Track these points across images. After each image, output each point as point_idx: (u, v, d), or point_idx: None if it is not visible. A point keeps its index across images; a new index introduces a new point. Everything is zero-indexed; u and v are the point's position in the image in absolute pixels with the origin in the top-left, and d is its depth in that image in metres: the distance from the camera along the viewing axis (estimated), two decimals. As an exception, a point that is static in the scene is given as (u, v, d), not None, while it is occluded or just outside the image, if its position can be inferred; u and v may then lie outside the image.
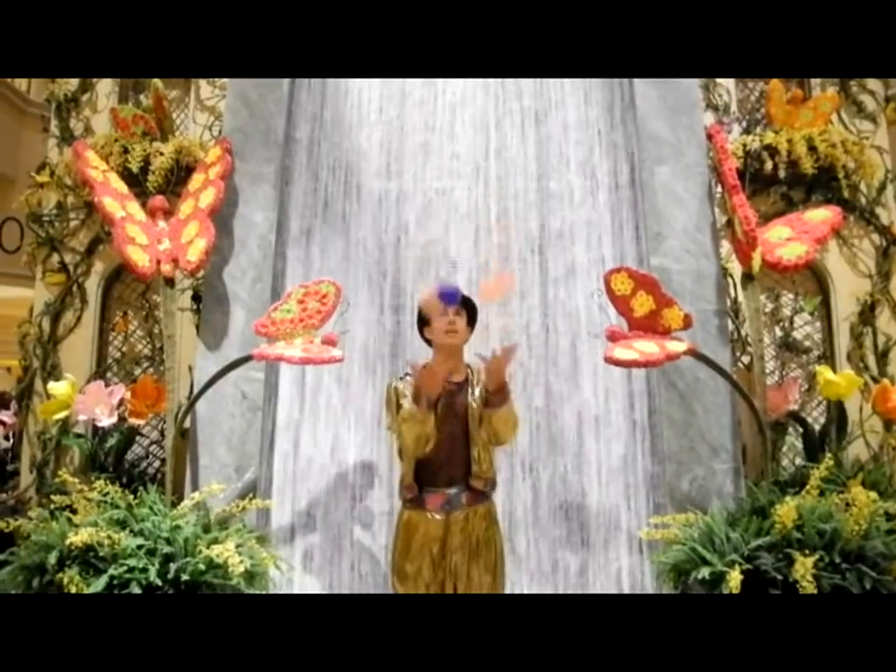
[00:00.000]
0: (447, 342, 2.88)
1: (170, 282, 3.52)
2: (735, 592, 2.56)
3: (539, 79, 3.93)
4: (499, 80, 3.96)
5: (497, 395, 2.77)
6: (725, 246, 3.81)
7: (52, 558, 2.70)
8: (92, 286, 4.16)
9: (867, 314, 4.02)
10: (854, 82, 4.26)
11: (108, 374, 4.11)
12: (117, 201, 3.55)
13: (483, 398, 2.83)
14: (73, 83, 4.37)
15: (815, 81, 4.28)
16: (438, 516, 2.82)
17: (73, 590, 2.60)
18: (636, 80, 3.75)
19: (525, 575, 3.45)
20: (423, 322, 2.97)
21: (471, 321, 2.95)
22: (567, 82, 3.94)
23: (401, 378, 2.91)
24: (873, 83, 4.28)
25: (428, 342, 2.99)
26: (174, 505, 3.13)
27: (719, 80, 4.19)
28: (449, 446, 2.83)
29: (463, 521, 2.83)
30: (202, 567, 2.73)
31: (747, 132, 4.14)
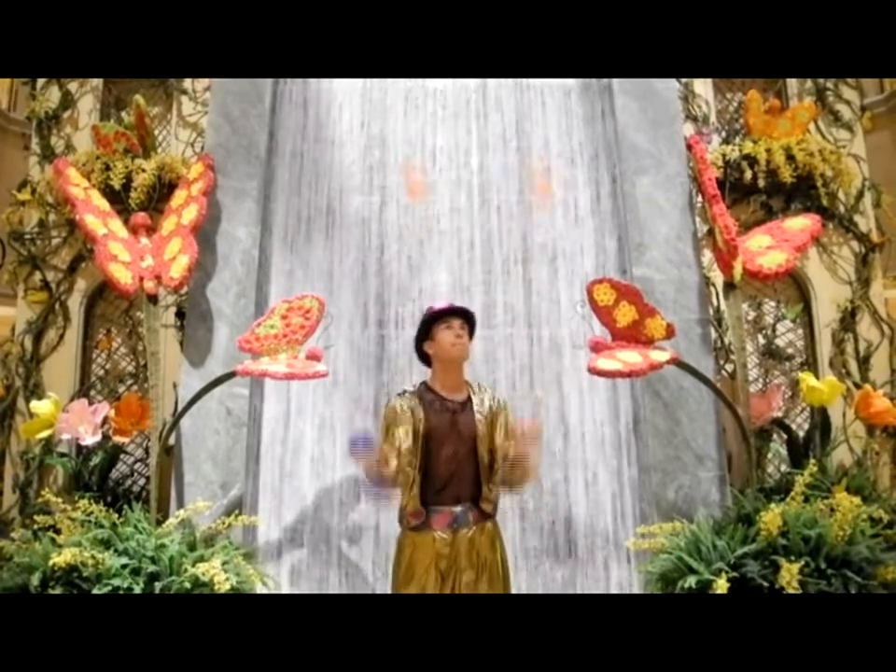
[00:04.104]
0: (454, 354, 2.84)
1: (153, 299, 3.51)
2: (721, 600, 2.57)
3: (519, 94, 3.98)
4: (480, 94, 4.00)
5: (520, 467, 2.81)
6: (707, 256, 3.85)
7: (35, 580, 2.68)
8: (75, 303, 4.13)
9: (848, 320, 4.05)
10: (830, 91, 4.32)
11: (92, 392, 4.07)
12: (99, 218, 3.54)
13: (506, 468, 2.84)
14: (54, 100, 4.35)
15: (792, 91, 4.34)
16: (444, 535, 2.77)
17: (57, 611, 2.57)
18: (615, 92, 3.79)
19: (512, 588, 3.42)
20: (423, 336, 2.92)
21: (470, 336, 2.94)
22: (548, 96, 3.99)
23: (400, 395, 2.87)
24: (849, 93, 4.34)
25: (425, 358, 2.96)
26: (159, 523, 3.11)
27: (697, 91, 4.24)
28: (454, 466, 2.80)
29: (470, 539, 2.79)
30: (187, 585, 2.71)
31: (726, 142, 4.18)
